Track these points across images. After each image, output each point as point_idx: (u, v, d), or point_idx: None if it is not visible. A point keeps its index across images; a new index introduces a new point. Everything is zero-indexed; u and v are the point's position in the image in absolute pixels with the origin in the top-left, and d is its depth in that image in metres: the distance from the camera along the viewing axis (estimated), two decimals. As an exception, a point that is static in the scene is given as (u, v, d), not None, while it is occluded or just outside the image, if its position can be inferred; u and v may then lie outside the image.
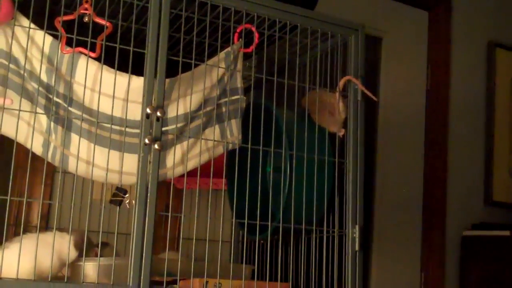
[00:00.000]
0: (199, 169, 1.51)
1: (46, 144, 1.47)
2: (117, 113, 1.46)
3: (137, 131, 1.45)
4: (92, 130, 1.45)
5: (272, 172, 1.76)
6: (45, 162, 1.47)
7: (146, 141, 1.38)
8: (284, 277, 1.54)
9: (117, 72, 1.43)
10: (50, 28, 1.41)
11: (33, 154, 1.42)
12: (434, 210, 2.88)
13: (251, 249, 1.67)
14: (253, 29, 1.62)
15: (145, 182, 1.38)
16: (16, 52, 1.43)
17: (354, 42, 1.69)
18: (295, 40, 1.67)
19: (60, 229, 1.44)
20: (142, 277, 1.34)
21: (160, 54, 1.43)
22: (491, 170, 3.06)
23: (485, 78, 3.14)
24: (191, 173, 1.57)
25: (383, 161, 2.83)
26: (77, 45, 1.41)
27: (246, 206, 1.52)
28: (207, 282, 1.45)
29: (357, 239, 1.59)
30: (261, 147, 1.57)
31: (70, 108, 1.45)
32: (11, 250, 1.35)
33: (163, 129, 1.45)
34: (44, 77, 1.44)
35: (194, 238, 1.42)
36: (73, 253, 1.45)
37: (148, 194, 1.38)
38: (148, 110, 1.39)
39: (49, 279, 1.31)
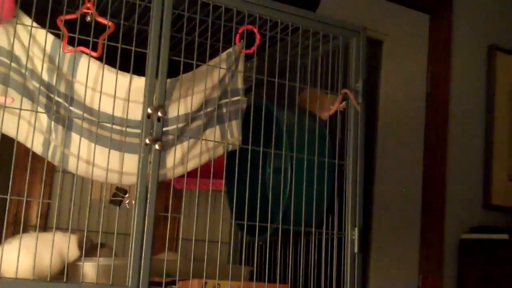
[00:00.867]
0: (199, 169, 1.51)
1: (46, 143, 1.46)
2: (118, 113, 1.45)
3: (138, 131, 1.44)
4: (92, 130, 1.45)
5: (272, 173, 1.76)
6: (45, 161, 1.47)
7: (147, 141, 1.38)
8: (283, 278, 1.54)
9: (119, 72, 1.43)
10: (52, 27, 1.41)
11: (33, 153, 1.42)
12: (433, 213, 2.88)
13: (250, 250, 1.67)
14: (255, 30, 1.62)
15: (145, 182, 1.38)
16: (18, 50, 1.43)
17: (356, 44, 1.69)
18: (297, 42, 1.67)
19: (62, 229, 1.44)
20: (141, 278, 1.34)
21: (161, 54, 1.43)
22: (490, 174, 3.05)
23: (485, 82, 3.13)
24: (191, 174, 1.57)
25: (382, 163, 2.83)
26: (78, 45, 1.41)
27: (246, 207, 1.52)
28: (206, 283, 1.45)
29: (356, 241, 1.59)
30: (261, 149, 1.57)
31: (71, 108, 1.45)
32: (13, 246, 1.34)
33: (164, 129, 1.45)
34: (45, 76, 1.44)
35: (193, 239, 1.42)
36: (76, 253, 1.45)
37: (148, 194, 1.38)
38: (149, 110, 1.39)
39: (48, 279, 1.30)
